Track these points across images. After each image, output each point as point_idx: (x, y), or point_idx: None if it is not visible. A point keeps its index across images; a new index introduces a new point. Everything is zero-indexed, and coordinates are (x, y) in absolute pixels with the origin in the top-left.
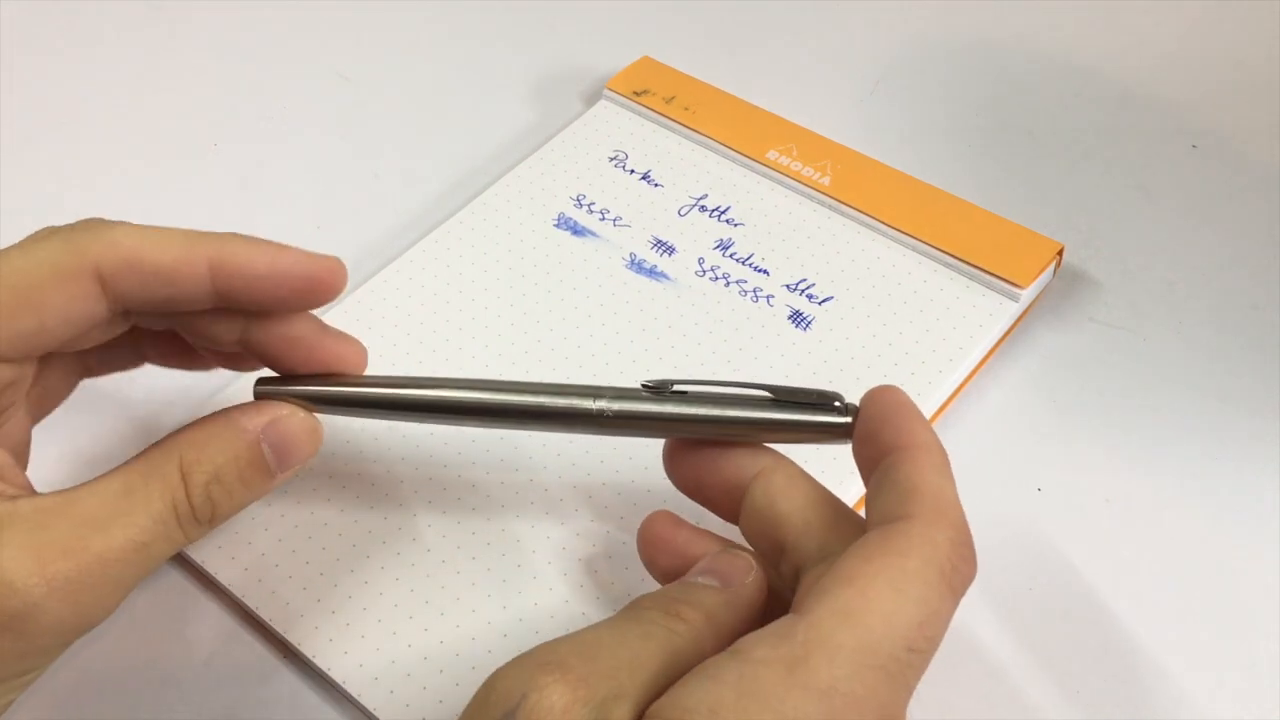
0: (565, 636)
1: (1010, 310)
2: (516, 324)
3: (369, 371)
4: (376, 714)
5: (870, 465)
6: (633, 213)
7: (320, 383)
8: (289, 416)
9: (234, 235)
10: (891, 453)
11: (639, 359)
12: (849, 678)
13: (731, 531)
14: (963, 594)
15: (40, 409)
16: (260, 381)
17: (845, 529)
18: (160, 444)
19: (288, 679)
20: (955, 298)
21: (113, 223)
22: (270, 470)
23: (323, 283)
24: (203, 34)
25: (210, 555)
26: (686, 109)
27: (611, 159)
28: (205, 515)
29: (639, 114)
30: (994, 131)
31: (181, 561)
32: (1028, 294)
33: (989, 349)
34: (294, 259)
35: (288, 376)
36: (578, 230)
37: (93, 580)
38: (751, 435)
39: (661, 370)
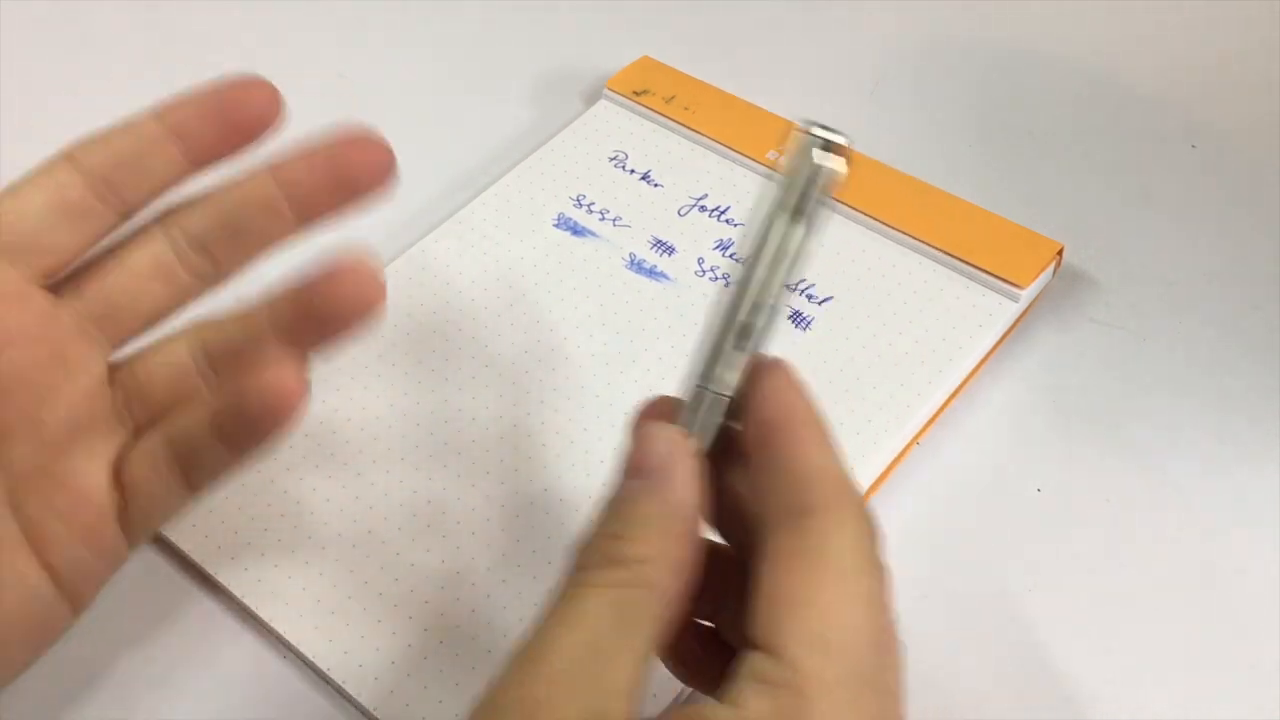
0: (508, 671)
1: (1010, 310)
2: (516, 324)
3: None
4: (376, 714)
5: (753, 442)
6: (633, 213)
7: None
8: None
9: None
10: (772, 432)
11: (639, 359)
12: (844, 708)
13: None
14: (880, 555)
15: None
16: None
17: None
18: None
19: (289, 679)
20: (955, 298)
21: None
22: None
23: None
24: (203, 34)
25: (209, 555)
26: (686, 109)
27: (611, 159)
28: None
29: (639, 114)
30: (994, 131)
31: (180, 561)
32: (1028, 294)
33: (989, 349)
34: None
35: None
36: (578, 230)
37: None
38: None
39: (660, 371)
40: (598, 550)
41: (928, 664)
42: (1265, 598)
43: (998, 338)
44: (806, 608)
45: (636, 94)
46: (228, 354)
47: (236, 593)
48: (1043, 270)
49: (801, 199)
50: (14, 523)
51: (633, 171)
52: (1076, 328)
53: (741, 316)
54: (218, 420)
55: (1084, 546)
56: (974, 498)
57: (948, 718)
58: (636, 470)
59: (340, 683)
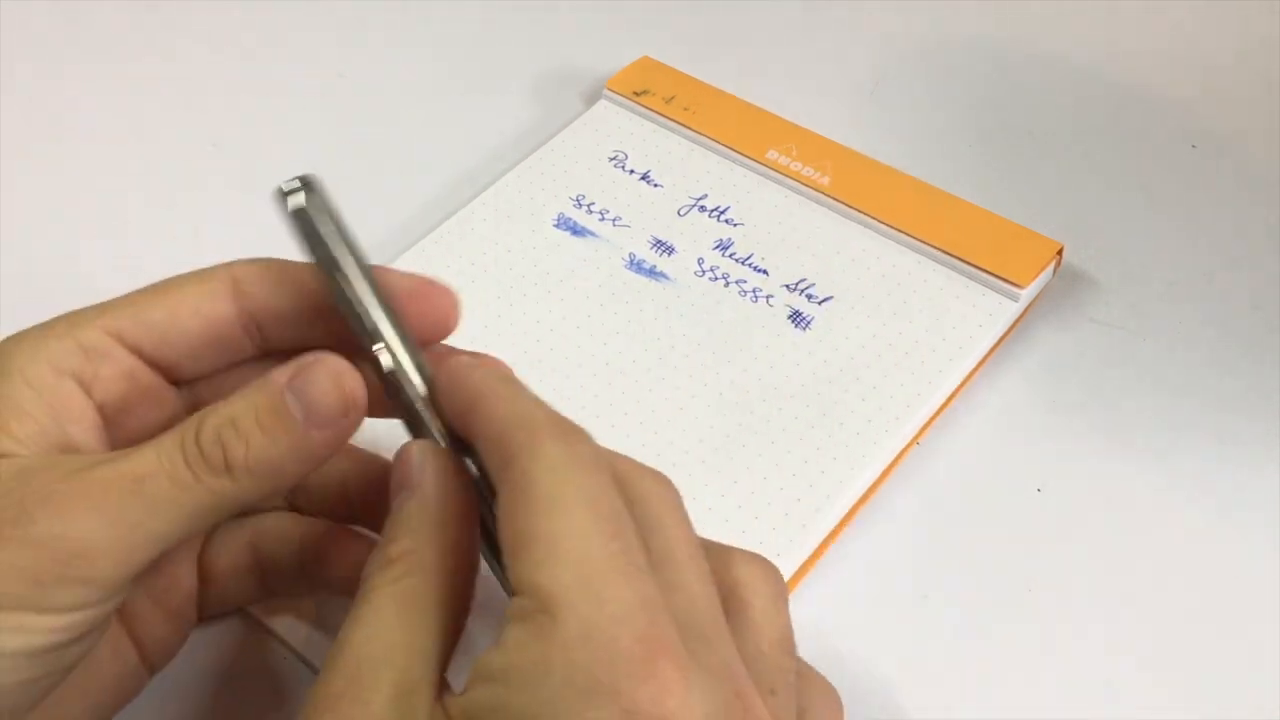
0: (328, 657)
1: (1010, 310)
2: (516, 324)
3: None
4: None
5: (463, 432)
6: (632, 213)
7: None
8: (315, 364)
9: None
10: (462, 414)
11: (639, 359)
12: (595, 606)
13: None
14: (595, 457)
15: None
16: None
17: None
18: None
19: (288, 679)
20: (955, 297)
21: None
22: (295, 420)
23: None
24: (202, 34)
25: None
26: (686, 109)
27: (611, 159)
28: (216, 459)
29: (639, 114)
30: (994, 131)
31: None
32: (1027, 294)
33: (989, 349)
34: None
35: None
36: (577, 230)
37: (87, 501)
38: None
39: (661, 371)
40: (374, 560)
41: (928, 663)
42: (1265, 597)
43: (997, 338)
44: (532, 540)
45: (636, 94)
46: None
47: (258, 614)
48: (1042, 270)
49: (320, 229)
50: None
51: (632, 172)
52: (1076, 328)
53: (385, 331)
54: (304, 571)
55: (1084, 546)
56: (974, 498)
57: (948, 717)
58: (394, 488)
59: None
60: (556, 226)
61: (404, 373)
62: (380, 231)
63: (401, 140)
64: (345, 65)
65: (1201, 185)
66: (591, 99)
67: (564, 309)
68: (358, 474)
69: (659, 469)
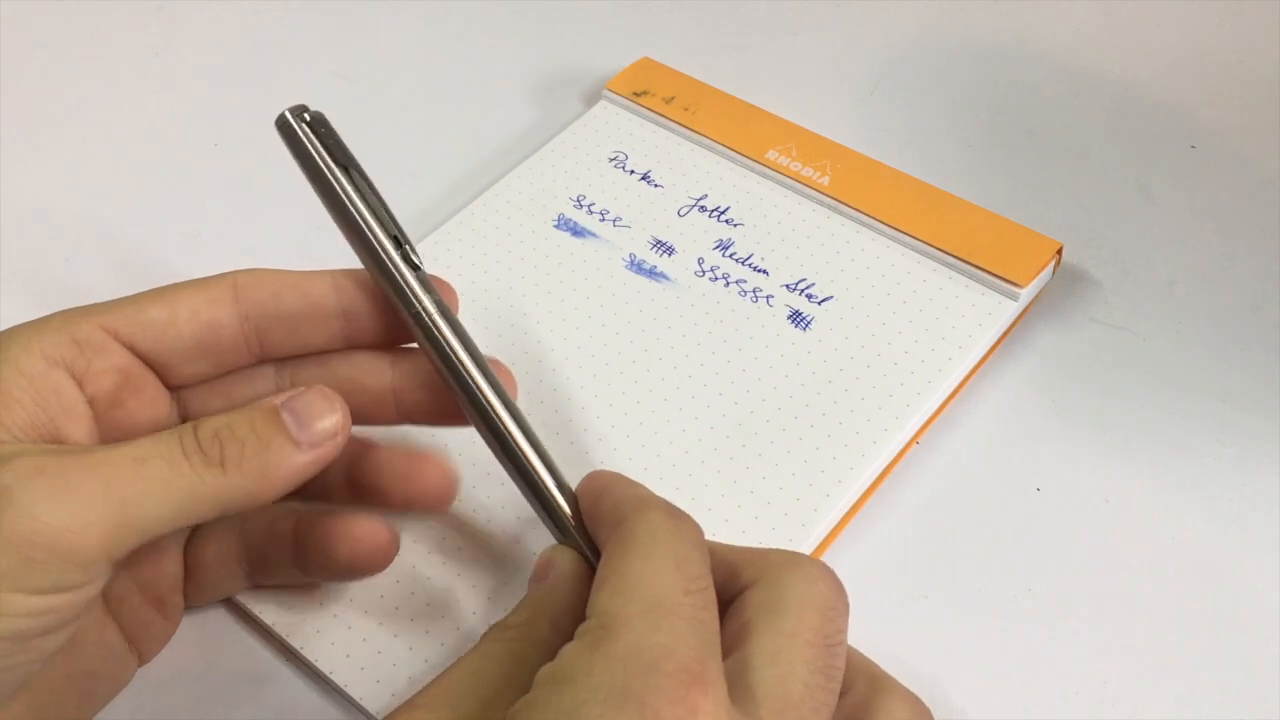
0: (432, 681)
1: (1009, 309)
2: (516, 325)
3: None
4: (378, 717)
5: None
6: (632, 213)
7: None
8: (309, 389)
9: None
10: (591, 501)
11: (639, 359)
12: (650, 633)
13: None
14: (697, 539)
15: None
16: None
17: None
18: None
19: (289, 681)
20: (954, 297)
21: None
22: (290, 433)
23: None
24: (203, 34)
25: None
26: (686, 109)
27: (611, 159)
28: (214, 453)
29: (639, 114)
30: (994, 131)
31: None
32: (1027, 293)
33: (988, 348)
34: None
35: None
36: (578, 231)
37: (75, 478)
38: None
39: (661, 371)
40: (494, 626)
41: (927, 663)
42: (1265, 598)
43: (997, 337)
44: (615, 576)
45: (636, 95)
46: None
47: (245, 603)
48: (1042, 269)
49: (324, 154)
50: None
51: (633, 172)
52: (1076, 327)
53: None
54: (299, 557)
55: (1084, 546)
56: (974, 498)
57: (948, 717)
58: (532, 580)
59: (343, 686)
60: (557, 227)
61: (439, 324)
62: None
63: (401, 141)
64: (345, 65)
65: (1201, 185)
66: (591, 99)
67: (564, 309)
68: (357, 455)
69: (661, 470)
